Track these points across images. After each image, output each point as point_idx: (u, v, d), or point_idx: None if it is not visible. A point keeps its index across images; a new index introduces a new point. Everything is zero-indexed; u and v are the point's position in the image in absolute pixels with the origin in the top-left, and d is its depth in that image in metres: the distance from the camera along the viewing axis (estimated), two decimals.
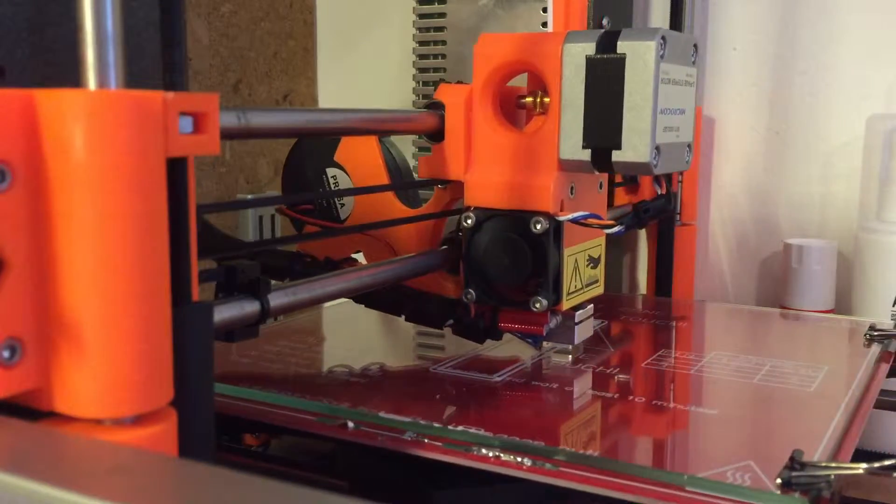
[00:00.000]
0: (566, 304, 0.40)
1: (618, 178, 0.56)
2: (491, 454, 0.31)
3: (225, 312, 0.29)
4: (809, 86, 0.60)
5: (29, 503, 0.16)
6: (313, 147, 0.45)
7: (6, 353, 0.21)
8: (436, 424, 0.33)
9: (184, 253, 0.23)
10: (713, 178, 0.63)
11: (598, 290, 0.43)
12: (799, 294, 0.57)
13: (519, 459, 0.30)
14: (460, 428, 0.33)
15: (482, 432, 0.32)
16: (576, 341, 0.42)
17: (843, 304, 0.57)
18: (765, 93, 0.61)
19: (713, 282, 0.64)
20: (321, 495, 0.16)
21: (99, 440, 0.20)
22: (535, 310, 0.38)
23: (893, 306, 0.53)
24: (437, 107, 0.40)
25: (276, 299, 0.31)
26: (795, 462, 0.28)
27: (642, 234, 0.65)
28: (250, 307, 0.30)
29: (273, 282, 0.31)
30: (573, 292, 0.40)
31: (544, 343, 0.43)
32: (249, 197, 0.68)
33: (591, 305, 0.43)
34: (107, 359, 0.21)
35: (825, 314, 0.56)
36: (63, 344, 0.21)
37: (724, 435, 0.34)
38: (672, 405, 0.36)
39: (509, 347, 0.44)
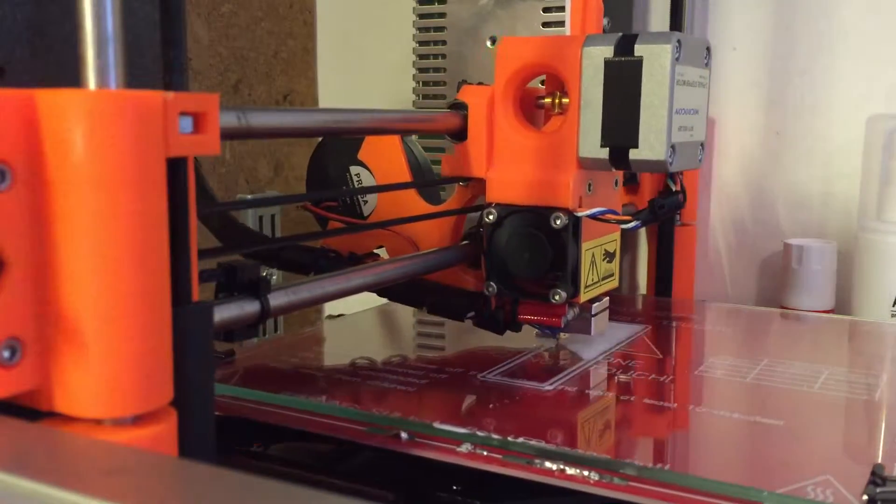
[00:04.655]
0: (583, 297, 0.41)
1: None
2: (555, 467, 0.29)
3: (225, 312, 0.29)
4: (809, 86, 0.60)
5: (29, 503, 0.16)
6: (337, 146, 0.47)
7: (6, 353, 0.21)
8: (495, 436, 0.31)
9: (184, 253, 0.23)
10: (713, 178, 0.63)
11: (614, 283, 0.44)
12: (799, 294, 0.57)
13: (585, 473, 0.29)
14: (521, 439, 0.31)
15: (544, 444, 0.30)
16: (592, 332, 0.43)
17: (843, 304, 0.57)
18: (765, 93, 0.61)
19: (713, 282, 0.64)
20: (321, 495, 0.16)
21: (99, 440, 0.20)
22: (553, 302, 0.40)
23: (893, 306, 0.53)
24: (460, 107, 0.41)
25: (276, 299, 0.31)
26: (877, 477, 0.27)
27: (642, 233, 0.65)
28: (250, 307, 0.30)
29: (275, 282, 0.31)
30: (590, 285, 0.41)
31: (561, 335, 0.44)
32: (249, 197, 0.68)
33: (607, 298, 0.44)
34: (107, 359, 0.21)
35: (825, 314, 0.56)
36: (63, 344, 0.21)
37: (794, 447, 0.32)
38: (736, 415, 0.34)
39: (553, 353, 0.43)
